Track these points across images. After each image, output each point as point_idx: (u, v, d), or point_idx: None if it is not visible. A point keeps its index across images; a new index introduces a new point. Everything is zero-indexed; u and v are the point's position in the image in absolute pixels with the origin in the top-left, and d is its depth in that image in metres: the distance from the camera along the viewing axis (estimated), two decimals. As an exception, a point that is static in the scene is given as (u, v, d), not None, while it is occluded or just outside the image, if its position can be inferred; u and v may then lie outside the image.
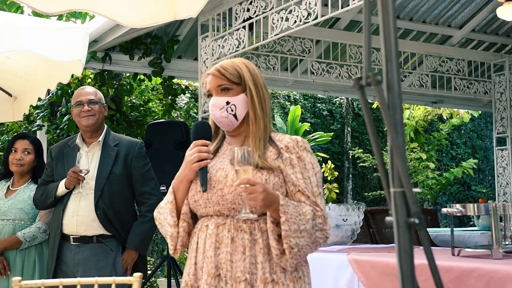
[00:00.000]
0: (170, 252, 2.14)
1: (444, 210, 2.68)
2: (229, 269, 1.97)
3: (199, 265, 2.05)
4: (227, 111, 2.08)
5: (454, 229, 2.75)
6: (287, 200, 1.95)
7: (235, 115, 2.08)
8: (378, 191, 10.87)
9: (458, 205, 2.65)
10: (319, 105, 11.34)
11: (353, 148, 10.97)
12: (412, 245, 1.26)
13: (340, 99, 11.37)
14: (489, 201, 3.82)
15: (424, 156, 10.20)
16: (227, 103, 2.08)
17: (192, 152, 2.05)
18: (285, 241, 1.92)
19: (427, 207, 10.25)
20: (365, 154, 10.44)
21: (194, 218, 2.15)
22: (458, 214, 2.61)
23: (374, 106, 10.24)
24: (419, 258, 1.31)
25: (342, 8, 4.10)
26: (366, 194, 11.16)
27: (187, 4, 2.47)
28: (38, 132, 6.22)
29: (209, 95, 2.13)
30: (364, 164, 10.70)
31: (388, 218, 1.28)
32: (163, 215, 2.13)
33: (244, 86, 2.11)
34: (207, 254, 2.02)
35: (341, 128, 11.39)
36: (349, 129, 11.33)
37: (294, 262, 1.94)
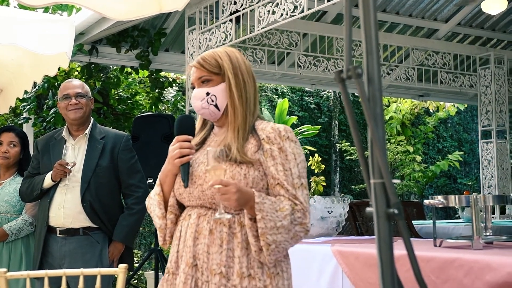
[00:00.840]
0: (160, 243, 2.15)
1: (426, 201, 2.71)
2: (205, 261, 1.97)
3: (180, 253, 2.06)
4: (207, 102, 2.06)
5: (440, 221, 2.79)
6: (263, 197, 1.93)
7: (216, 105, 2.07)
8: (366, 184, 10.92)
9: (440, 197, 2.68)
10: (306, 98, 11.36)
11: (340, 141, 11.01)
12: (392, 236, 1.28)
13: (328, 92, 11.39)
14: (473, 193, 3.87)
15: (411, 149, 10.27)
16: (207, 94, 2.07)
17: (174, 147, 2.04)
18: (262, 239, 1.91)
19: (413, 200, 10.31)
20: (352, 147, 10.48)
21: (183, 208, 2.15)
22: (440, 206, 2.65)
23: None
24: (401, 249, 1.33)
25: (328, 1, 4.11)
26: (353, 187, 11.22)
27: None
28: (24, 125, 6.20)
29: (193, 87, 2.13)
30: (351, 157, 10.75)
31: (368, 209, 1.30)
32: (153, 206, 2.14)
33: (223, 76, 2.09)
34: (186, 243, 2.03)
35: (328, 121, 11.42)
36: (336, 122, 11.37)
37: (272, 258, 1.94)
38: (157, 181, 2.13)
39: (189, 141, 2.06)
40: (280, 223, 1.92)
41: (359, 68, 1.29)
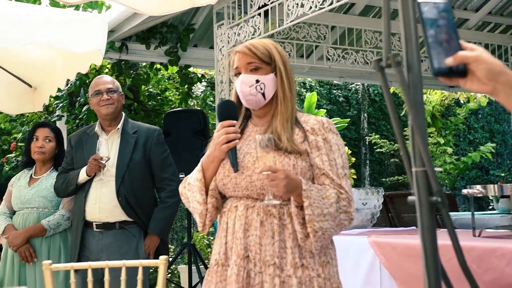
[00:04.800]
0: (199, 228, 2.15)
1: (464, 191, 2.68)
2: (258, 252, 1.99)
3: (229, 245, 2.07)
4: (256, 89, 2.07)
5: (475, 213, 2.76)
6: (310, 185, 1.95)
7: (263, 94, 2.08)
8: (396, 177, 10.83)
9: (478, 186, 2.65)
10: (334, 91, 11.30)
11: (369, 134, 10.94)
12: (435, 224, 1.27)
13: (356, 85, 11.32)
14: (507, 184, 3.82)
15: (441, 141, 10.14)
16: (257, 81, 2.07)
17: (220, 133, 2.05)
18: (309, 225, 1.93)
19: (445, 192, 10.21)
20: (382, 140, 10.40)
21: (221, 194, 2.17)
22: (479, 195, 2.62)
23: (391, 91, 10.15)
24: (441, 239, 1.32)
25: (358, -8, 4.08)
26: (383, 179, 11.13)
27: (205, -9, 2.48)
28: (57, 122, 6.28)
29: (237, 74, 2.12)
30: (381, 150, 10.66)
31: (410, 198, 1.30)
32: (191, 192, 2.14)
33: (273, 66, 2.10)
34: (236, 236, 2.04)
35: (357, 114, 11.35)
36: (365, 115, 11.29)
37: (319, 244, 1.96)
38: (198, 168, 2.13)
39: (234, 126, 2.06)
40: (327, 210, 1.94)
41: (398, 56, 1.28)
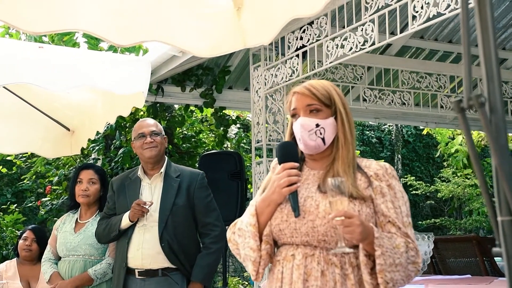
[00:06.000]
0: (252, 277, 2.03)
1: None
2: None
3: None
4: (316, 134, 1.98)
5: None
6: (381, 232, 1.86)
7: (323, 139, 1.99)
8: (432, 219, 10.60)
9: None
10: (367, 132, 11.22)
11: (404, 176, 10.77)
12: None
13: (389, 126, 11.22)
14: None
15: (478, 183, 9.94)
16: (317, 125, 1.98)
17: (281, 176, 1.95)
18: (380, 276, 1.82)
19: (482, 235, 9.94)
20: (417, 182, 10.22)
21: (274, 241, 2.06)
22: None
23: (425, 132, 10.01)
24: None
25: (400, 33, 4.03)
26: (419, 222, 10.91)
27: (258, 32, 2.45)
28: (93, 165, 6.28)
29: (294, 115, 2.04)
30: (416, 192, 10.48)
31: (495, 250, 1.21)
32: (242, 237, 2.03)
33: (334, 109, 2.01)
34: (294, 286, 1.92)
35: (390, 156, 11.22)
36: (399, 156, 11.15)
37: None
38: (252, 211, 2.02)
39: (296, 168, 1.98)
40: (398, 260, 1.84)
41: (481, 97, 1.21)
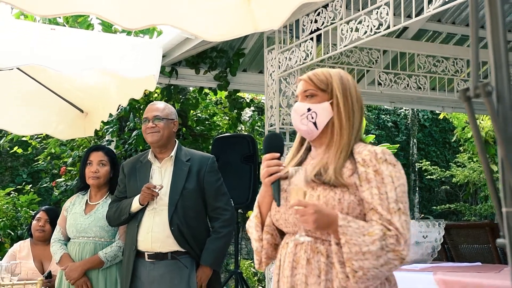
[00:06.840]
0: (256, 266, 2.09)
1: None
2: None
3: (279, 283, 2.00)
4: (307, 119, 1.99)
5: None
6: (348, 220, 1.81)
7: (315, 123, 1.98)
8: (447, 205, 10.53)
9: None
10: (383, 116, 11.14)
11: (419, 161, 10.70)
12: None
13: (405, 110, 11.13)
14: None
15: (495, 168, 9.83)
16: (308, 109, 1.99)
17: (262, 167, 2.00)
18: (347, 265, 1.80)
19: (496, 221, 9.87)
20: (432, 167, 10.15)
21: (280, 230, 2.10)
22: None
23: (441, 116, 9.91)
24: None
25: (416, 17, 3.97)
26: (434, 207, 10.86)
27: (268, 16, 2.43)
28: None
29: (296, 101, 2.06)
30: (431, 177, 10.41)
31: (499, 241, 1.20)
32: (251, 228, 2.10)
33: (330, 94, 2.00)
34: (284, 273, 1.96)
35: (406, 140, 11.14)
36: (414, 140, 11.07)
37: (361, 286, 1.81)
38: (256, 203, 2.09)
39: (277, 158, 1.99)
40: (367, 248, 1.78)
41: (488, 86, 1.18)
